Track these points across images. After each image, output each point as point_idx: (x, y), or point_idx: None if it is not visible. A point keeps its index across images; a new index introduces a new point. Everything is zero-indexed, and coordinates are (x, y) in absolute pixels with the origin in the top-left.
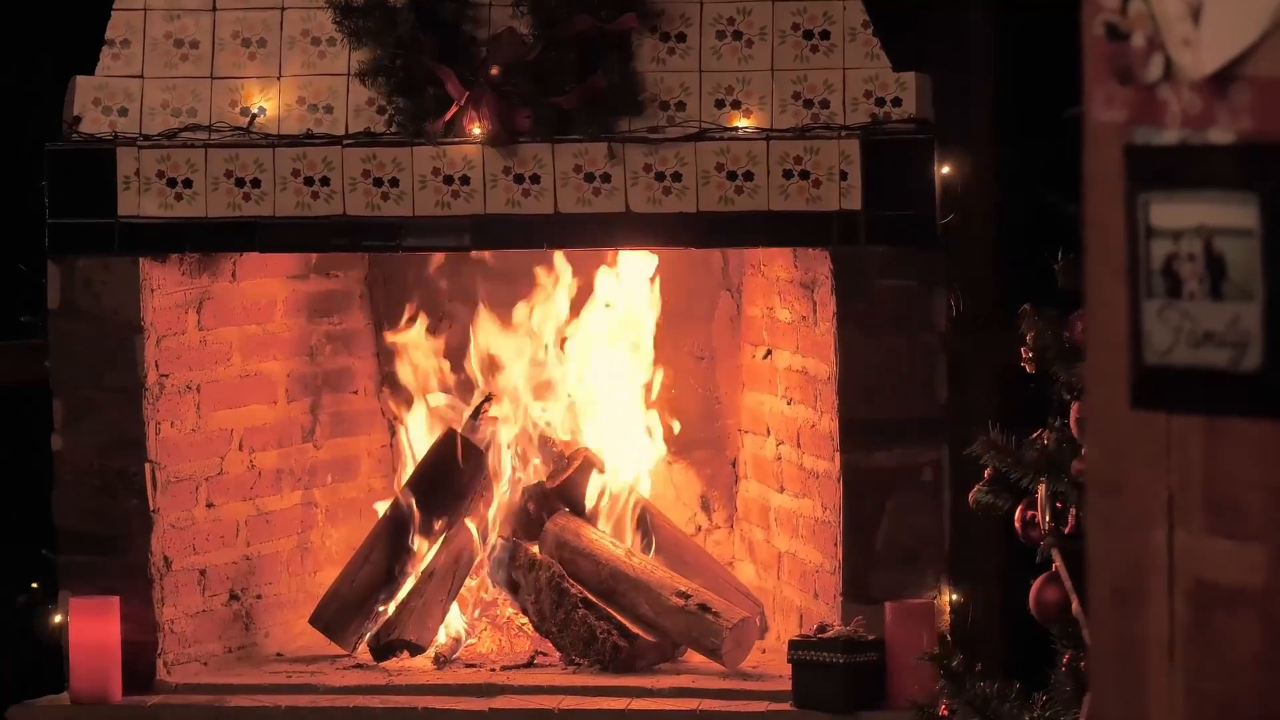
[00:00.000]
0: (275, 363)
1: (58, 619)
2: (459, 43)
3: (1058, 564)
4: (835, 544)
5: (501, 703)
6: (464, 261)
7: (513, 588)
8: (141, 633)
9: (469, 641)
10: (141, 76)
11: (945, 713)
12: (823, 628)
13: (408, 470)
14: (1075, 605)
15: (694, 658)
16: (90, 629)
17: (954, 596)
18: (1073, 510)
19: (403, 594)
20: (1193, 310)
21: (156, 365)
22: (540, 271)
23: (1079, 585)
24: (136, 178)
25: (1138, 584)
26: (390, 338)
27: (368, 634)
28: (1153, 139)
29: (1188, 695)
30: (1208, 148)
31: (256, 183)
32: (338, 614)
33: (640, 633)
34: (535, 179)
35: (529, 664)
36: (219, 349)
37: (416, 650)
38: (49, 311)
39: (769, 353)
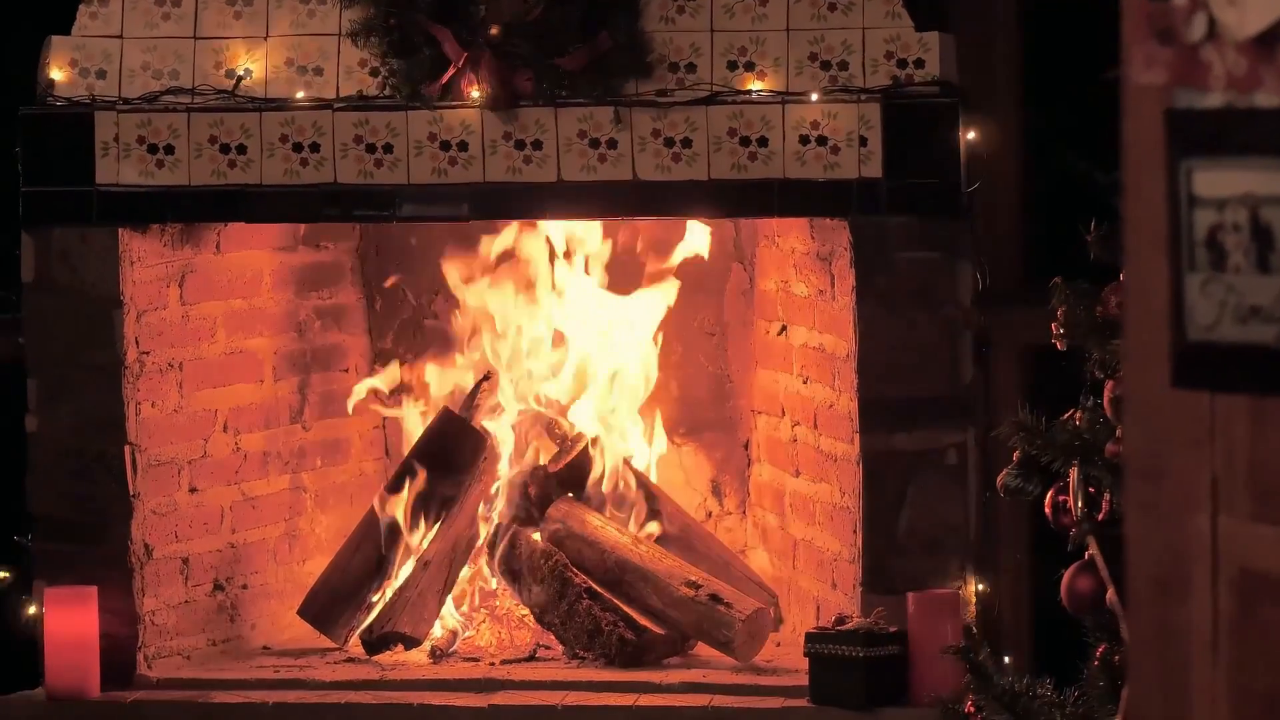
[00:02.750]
0: (261, 339)
1: (32, 610)
2: (457, 0)
3: (1092, 552)
4: (854, 531)
5: (501, 699)
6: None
7: (513, 577)
8: (121, 625)
9: (467, 634)
10: (121, 36)
11: (971, 710)
12: (841, 620)
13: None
14: (1110, 595)
15: (705, 651)
16: (67, 621)
17: (980, 586)
18: (1107, 495)
19: (397, 584)
20: (1238, 284)
21: (137, 342)
22: (544, 242)
23: (1115, 574)
24: (115, 144)
25: (1179, 573)
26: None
27: (360, 626)
28: (1195, 102)
29: (1232, 690)
30: (1254, 112)
31: (242, 149)
32: (328, 605)
33: (648, 625)
34: (537, 145)
35: (530, 658)
36: (202, 325)
37: (411, 643)
38: (23, 285)
39: (784, 329)
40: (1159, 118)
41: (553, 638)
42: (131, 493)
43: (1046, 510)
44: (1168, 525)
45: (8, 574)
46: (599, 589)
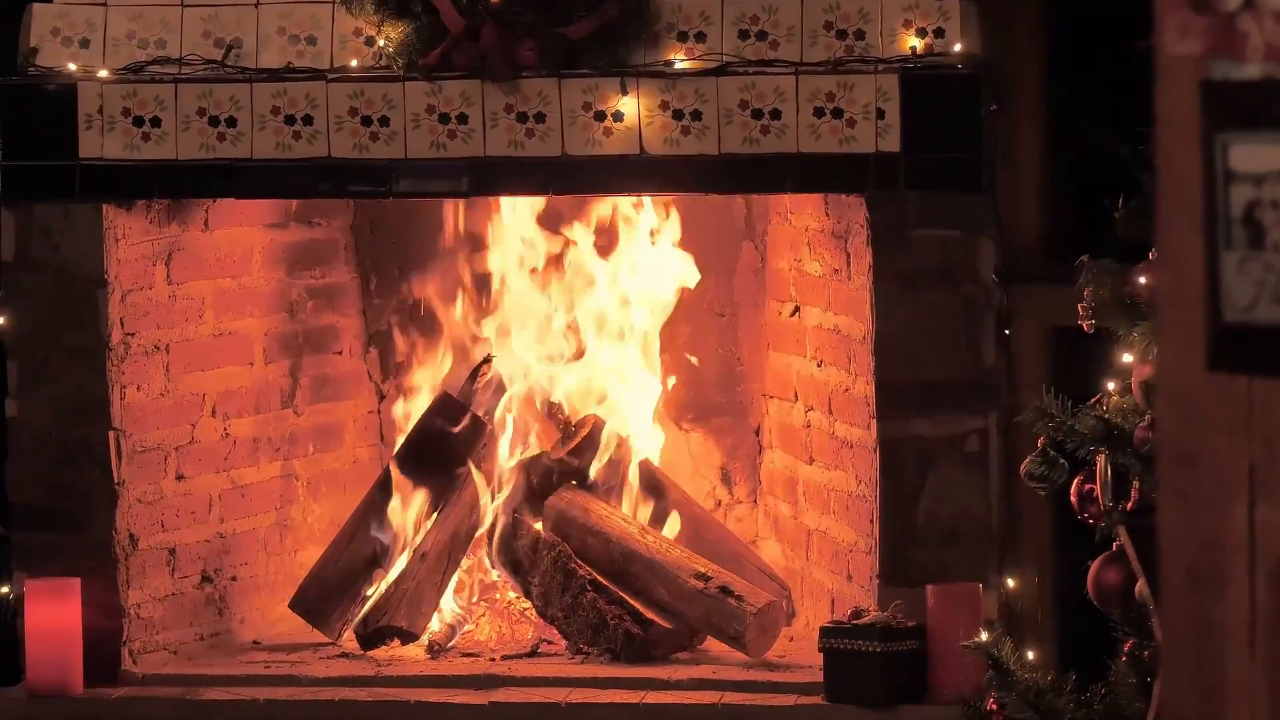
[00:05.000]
0: (252, 320)
1: (12, 603)
2: None
3: (1121, 543)
4: (871, 521)
5: (502, 696)
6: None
7: (515, 569)
8: (105, 618)
9: (466, 628)
10: (105, 4)
11: (993, 707)
12: (857, 613)
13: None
14: (1140, 588)
15: (715, 646)
16: (48, 614)
17: (1002, 579)
18: (1135, 484)
19: (393, 576)
20: (1277, 262)
21: (121, 323)
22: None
23: (1147, 566)
24: (99, 116)
25: (1215, 564)
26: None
27: (354, 620)
28: (1232, 74)
29: (1270, 687)
30: None
31: (232, 121)
32: (321, 598)
33: (655, 619)
34: (540, 118)
35: (532, 653)
36: (190, 305)
37: (408, 638)
38: (3, 263)
39: (797, 309)
40: (1194, 90)
41: (555, 632)
42: (116, 480)
43: (1072, 499)
44: (1203, 515)
45: None
46: (604, 581)
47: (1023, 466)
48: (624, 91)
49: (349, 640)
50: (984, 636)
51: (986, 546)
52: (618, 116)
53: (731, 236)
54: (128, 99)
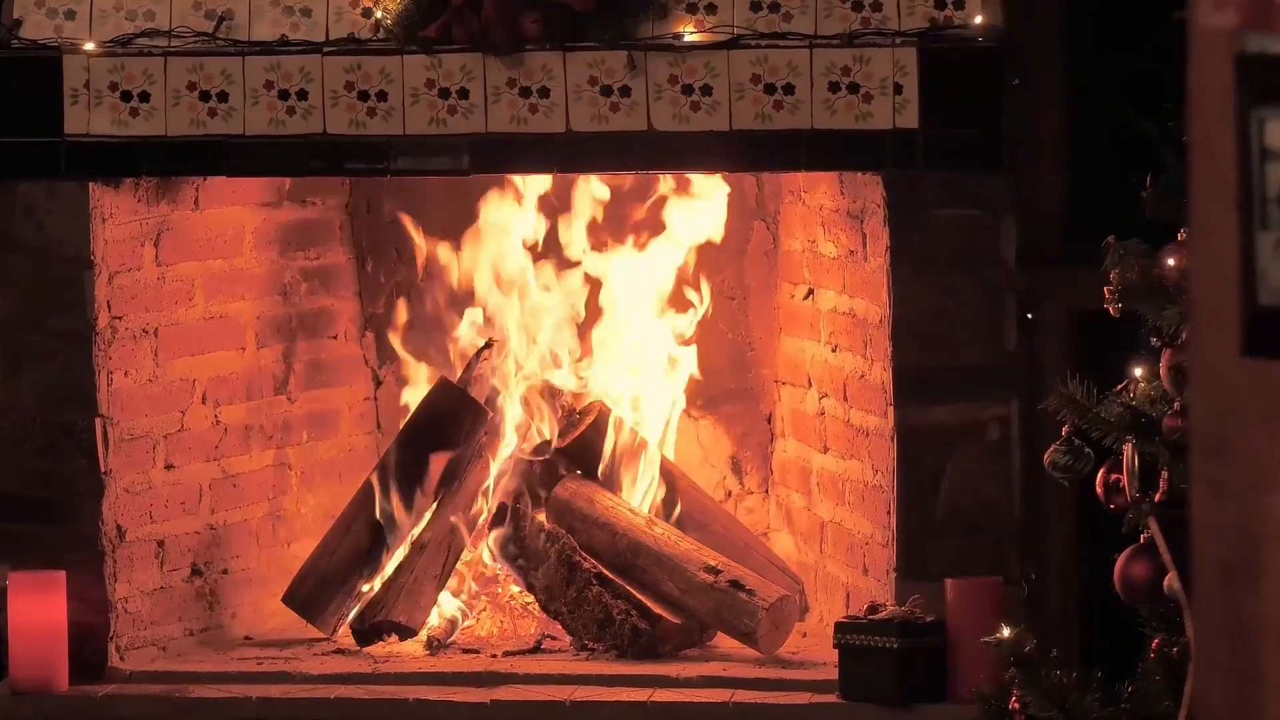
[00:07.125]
0: (243, 303)
1: None
2: None
3: (1150, 535)
4: (888, 512)
5: (504, 694)
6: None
7: (517, 562)
8: (91, 613)
9: (466, 623)
10: None
11: (1016, 706)
12: (873, 608)
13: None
14: (1169, 581)
15: (725, 642)
16: (32, 608)
17: (1025, 572)
18: (1164, 473)
19: (390, 569)
20: None
21: (109, 306)
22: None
23: (1177, 559)
24: (86, 90)
25: (1250, 557)
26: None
27: (350, 615)
28: (1269, 47)
29: None
30: None
31: (224, 96)
32: (315, 592)
33: (663, 613)
34: (544, 92)
35: (535, 649)
36: (179, 287)
37: (406, 633)
38: None
39: (810, 292)
40: (1228, 63)
41: (559, 627)
42: (103, 470)
43: (1098, 490)
44: (1237, 505)
45: None
46: (609, 574)
47: (1046, 456)
48: (632, 68)
49: (345, 636)
50: (1006, 632)
51: (1008, 539)
52: (625, 91)
53: (743, 216)
54: (115, 73)
